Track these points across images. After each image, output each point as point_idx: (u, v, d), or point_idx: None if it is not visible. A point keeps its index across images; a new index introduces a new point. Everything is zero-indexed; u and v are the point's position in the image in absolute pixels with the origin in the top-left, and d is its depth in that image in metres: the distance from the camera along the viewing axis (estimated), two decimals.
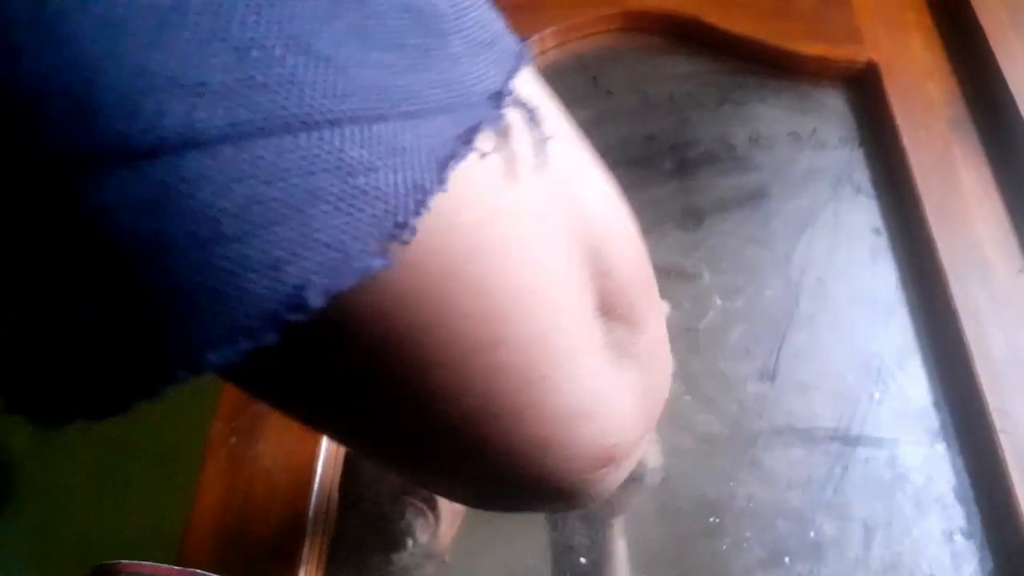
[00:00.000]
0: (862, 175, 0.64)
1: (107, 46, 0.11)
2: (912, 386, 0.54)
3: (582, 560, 0.50)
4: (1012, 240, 0.57)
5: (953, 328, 0.54)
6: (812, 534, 0.49)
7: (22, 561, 1.07)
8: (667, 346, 0.26)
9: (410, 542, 0.44)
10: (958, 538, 0.49)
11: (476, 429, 0.18)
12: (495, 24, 0.17)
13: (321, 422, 0.21)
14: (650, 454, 0.51)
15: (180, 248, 0.12)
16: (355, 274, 0.14)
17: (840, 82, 0.68)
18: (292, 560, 0.45)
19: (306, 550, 0.46)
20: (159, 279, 0.12)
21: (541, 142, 0.18)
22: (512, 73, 0.17)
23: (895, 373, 0.55)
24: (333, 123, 0.13)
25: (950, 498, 0.51)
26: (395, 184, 0.14)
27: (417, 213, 0.14)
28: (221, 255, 0.12)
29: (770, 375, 0.55)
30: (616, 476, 0.22)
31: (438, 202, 0.14)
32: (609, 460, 0.21)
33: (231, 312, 0.13)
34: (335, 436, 0.21)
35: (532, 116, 0.18)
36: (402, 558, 0.44)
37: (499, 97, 0.17)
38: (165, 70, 0.11)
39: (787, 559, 0.49)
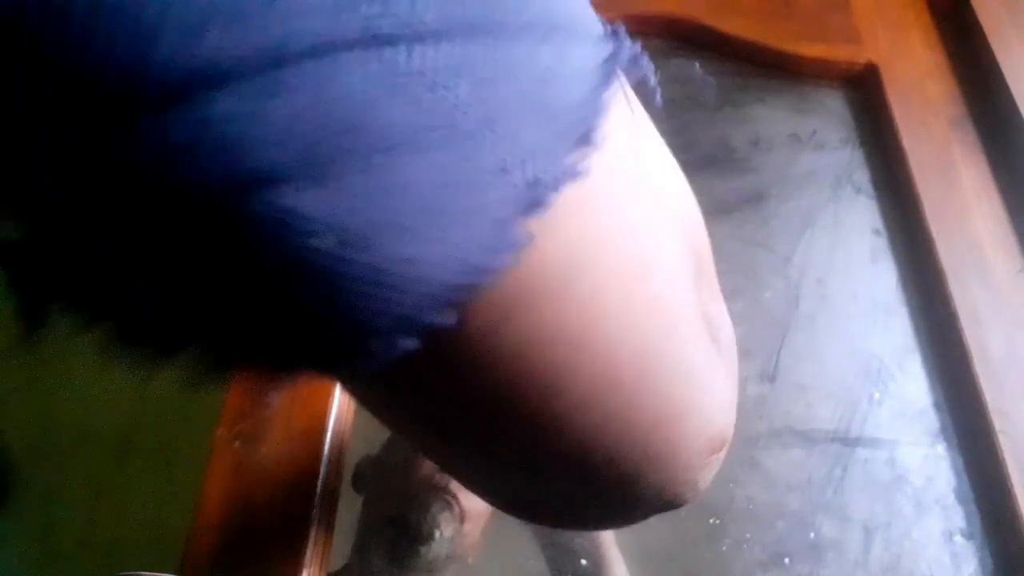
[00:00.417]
0: (862, 175, 0.64)
1: None
2: (912, 386, 0.54)
3: (583, 562, 0.50)
4: (1012, 240, 0.57)
5: (953, 328, 0.54)
6: (812, 535, 0.50)
7: (22, 561, 1.07)
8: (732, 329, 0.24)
9: (436, 536, 0.44)
10: (958, 539, 0.49)
11: (604, 433, 0.16)
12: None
13: (441, 439, 0.18)
14: None
15: (429, 140, 0.11)
16: (569, 176, 0.13)
17: (840, 83, 0.68)
18: (295, 564, 0.45)
19: (309, 554, 0.46)
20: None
21: (650, 87, 0.17)
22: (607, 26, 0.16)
23: (895, 373, 0.55)
24: (532, 32, 0.13)
25: (950, 499, 0.51)
26: (574, 96, 0.13)
27: (600, 119, 0.14)
28: (461, 153, 0.12)
29: (770, 376, 0.55)
30: (717, 467, 0.20)
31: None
32: (721, 444, 0.19)
33: (483, 212, 0.12)
34: (451, 459, 0.19)
35: (637, 61, 0.17)
36: (427, 553, 0.44)
37: (618, 33, 0.16)
38: None
39: (787, 560, 0.49)
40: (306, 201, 0.11)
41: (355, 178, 0.11)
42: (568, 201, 0.13)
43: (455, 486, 0.46)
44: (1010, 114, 0.61)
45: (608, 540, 0.49)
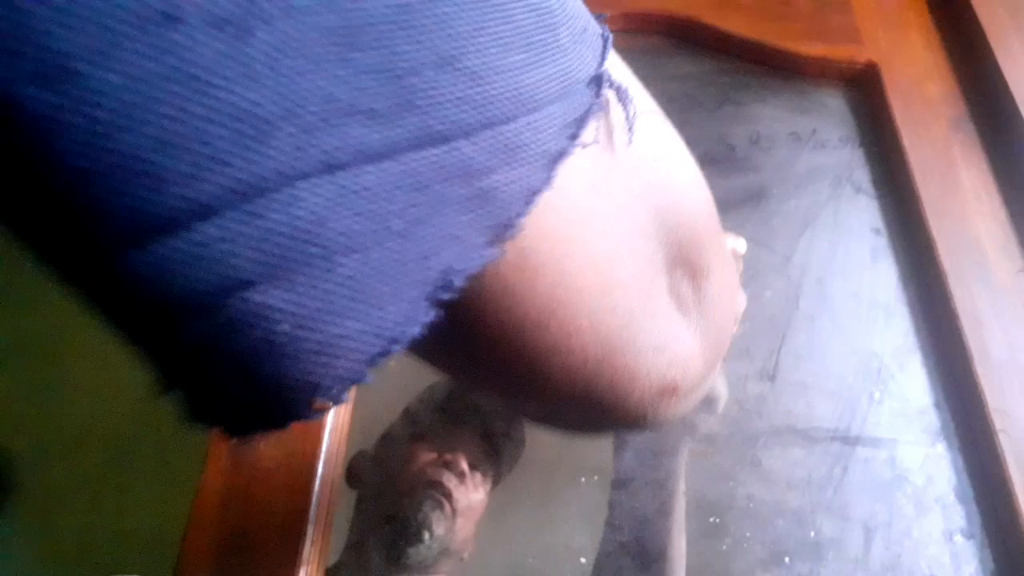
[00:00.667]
0: (862, 175, 0.64)
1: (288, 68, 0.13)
2: (912, 386, 0.54)
3: (582, 560, 0.50)
4: (1012, 240, 0.57)
5: (953, 328, 0.54)
6: (812, 534, 0.50)
7: (22, 561, 1.07)
8: (733, 286, 0.28)
9: (427, 534, 0.44)
10: (958, 538, 0.49)
11: (580, 366, 0.21)
12: (583, 8, 0.19)
13: (460, 369, 0.24)
14: (719, 384, 0.53)
15: (367, 243, 0.14)
16: (480, 261, 0.16)
17: (840, 82, 0.68)
18: (292, 561, 0.45)
19: (306, 551, 0.46)
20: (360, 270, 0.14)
21: (632, 119, 0.20)
22: (604, 55, 0.19)
23: (895, 373, 0.55)
24: (469, 133, 0.15)
25: (950, 498, 0.51)
26: (509, 183, 0.16)
27: (524, 212, 0.16)
28: (392, 249, 0.15)
29: (770, 375, 0.55)
30: (679, 405, 0.25)
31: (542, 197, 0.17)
32: (673, 391, 0.24)
33: (402, 295, 0.15)
34: (472, 381, 0.25)
35: (622, 95, 0.19)
36: (419, 551, 0.44)
37: (599, 81, 0.18)
38: (342, 95, 0.13)
39: (787, 559, 0.49)
40: (272, 298, 0.14)
41: (308, 277, 0.14)
42: (508, 258, 0.17)
43: (448, 481, 0.46)
44: (1010, 114, 0.61)
45: (674, 469, 0.51)
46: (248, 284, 0.13)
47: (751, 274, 0.59)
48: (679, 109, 0.67)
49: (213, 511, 0.47)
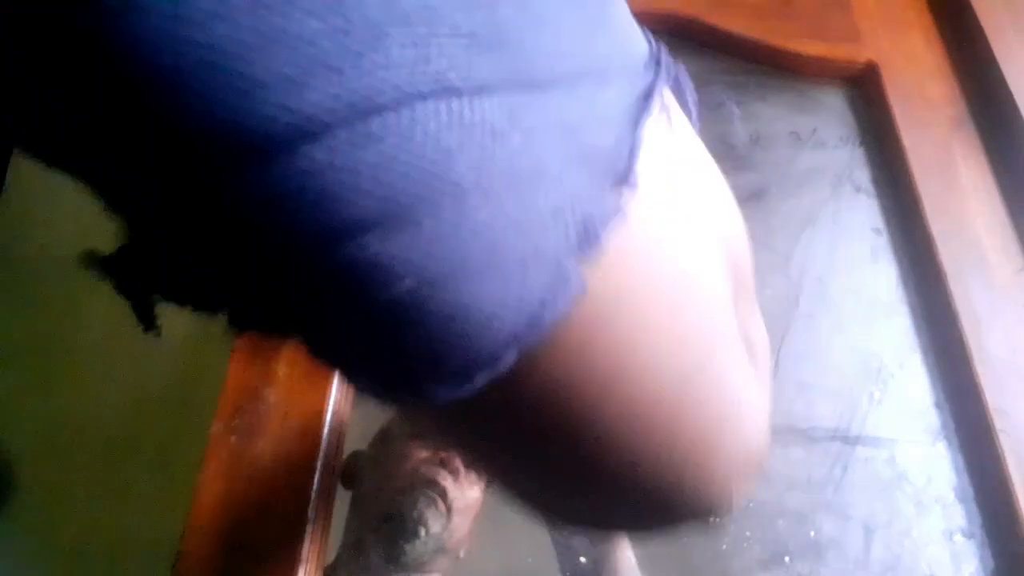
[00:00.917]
0: (862, 174, 0.64)
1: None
2: (912, 386, 0.54)
3: (582, 560, 0.50)
4: (1012, 240, 0.57)
5: (953, 328, 0.54)
6: (812, 534, 0.49)
7: (22, 561, 1.06)
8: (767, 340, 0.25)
9: (423, 531, 0.44)
10: (958, 538, 0.49)
11: (647, 451, 0.16)
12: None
13: (494, 454, 0.19)
14: None
15: (497, 185, 0.12)
16: (612, 214, 0.14)
17: (840, 82, 0.68)
18: (291, 560, 0.45)
19: (305, 550, 0.46)
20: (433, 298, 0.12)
21: (692, 104, 0.18)
22: (654, 43, 0.17)
23: (895, 373, 0.55)
24: (557, 82, 0.13)
25: (950, 498, 0.51)
26: (606, 141, 0.14)
27: (631, 160, 0.14)
28: (525, 196, 0.12)
29: (770, 374, 0.55)
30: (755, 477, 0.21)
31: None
32: (758, 459, 0.20)
33: (544, 254, 0.13)
34: (506, 471, 0.20)
35: (679, 81, 0.17)
36: (415, 548, 0.44)
37: (659, 61, 0.16)
38: (442, 5, 0.11)
39: (787, 559, 0.49)
40: (390, 247, 0.11)
41: (432, 224, 0.12)
42: (612, 239, 0.14)
43: (443, 479, 0.46)
44: (1010, 114, 0.61)
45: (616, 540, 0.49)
46: (365, 227, 0.11)
47: None
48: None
49: (212, 511, 0.47)
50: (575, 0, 0.14)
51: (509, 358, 0.13)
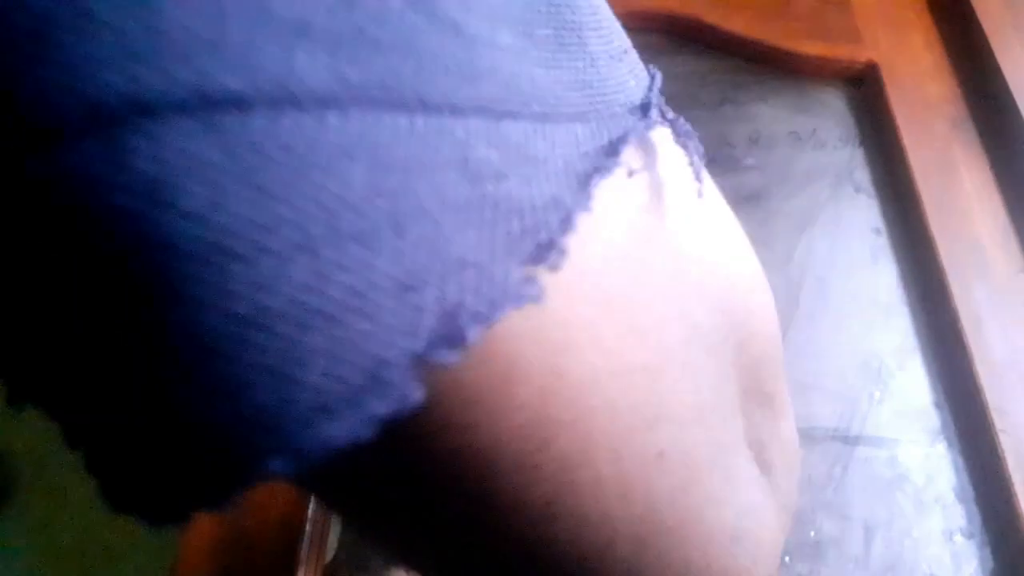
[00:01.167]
0: (862, 175, 0.64)
1: None
2: (912, 386, 0.54)
3: None
4: (1012, 240, 0.57)
5: (953, 328, 0.54)
6: (812, 534, 0.49)
7: (22, 561, 1.06)
8: (797, 445, 0.20)
9: None
10: (958, 538, 0.49)
11: (623, 560, 0.13)
12: (622, 33, 0.14)
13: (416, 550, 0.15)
14: None
15: (275, 251, 0.09)
16: (511, 301, 0.10)
17: (840, 82, 0.68)
18: (291, 561, 0.45)
19: (305, 551, 0.46)
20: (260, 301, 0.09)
21: (698, 164, 0.15)
22: (653, 86, 0.14)
23: (895, 373, 0.55)
24: (456, 111, 0.10)
25: (950, 498, 0.51)
26: (531, 197, 0.11)
27: (563, 231, 0.11)
28: (336, 266, 0.09)
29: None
30: None
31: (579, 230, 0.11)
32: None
33: (353, 350, 0.09)
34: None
35: (684, 135, 0.14)
36: None
37: (647, 109, 0.13)
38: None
39: (787, 559, 0.49)
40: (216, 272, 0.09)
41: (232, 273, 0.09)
42: (536, 321, 0.11)
43: None
44: (1010, 114, 0.61)
45: None
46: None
47: None
48: (679, 108, 0.67)
49: (210, 513, 0.47)
50: (506, 21, 0.11)
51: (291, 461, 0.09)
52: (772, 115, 0.67)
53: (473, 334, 0.10)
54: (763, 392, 0.17)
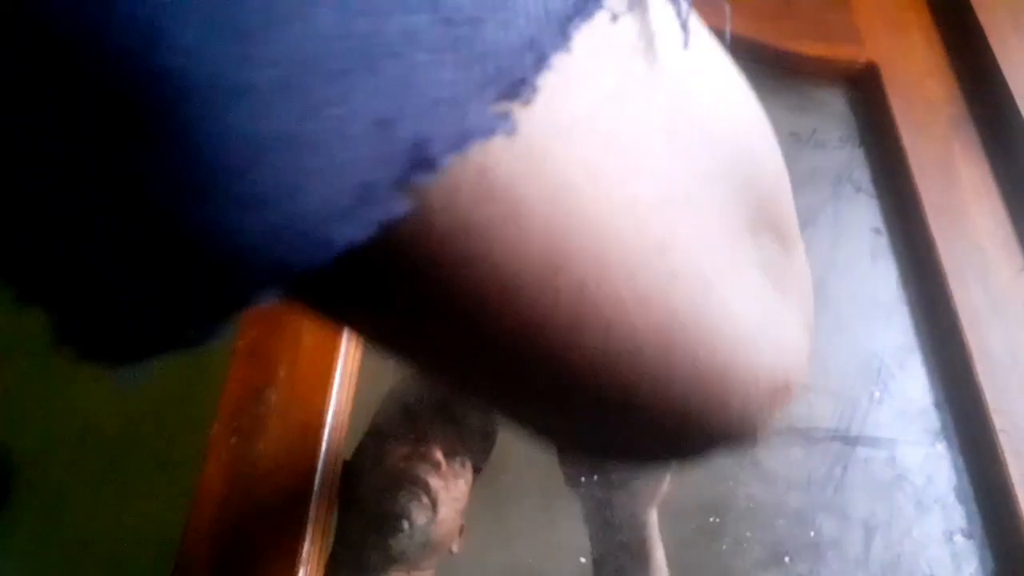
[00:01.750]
0: (862, 175, 0.64)
1: None
2: (912, 386, 0.54)
3: (581, 560, 0.50)
4: (1012, 240, 0.57)
5: (953, 328, 0.54)
6: (812, 534, 0.49)
7: (22, 561, 1.07)
8: (810, 280, 0.22)
9: (406, 524, 0.44)
10: (958, 538, 0.49)
11: (631, 359, 0.14)
12: None
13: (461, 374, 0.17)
14: None
15: (261, 91, 0.10)
16: (478, 134, 0.11)
17: (840, 82, 0.68)
18: (292, 561, 0.45)
19: (306, 551, 0.46)
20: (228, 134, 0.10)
21: (685, 12, 0.15)
22: None
23: (895, 373, 0.55)
24: None
25: (950, 498, 0.51)
26: (508, 40, 0.11)
27: (537, 70, 0.11)
28: (318, 102, 0.10)
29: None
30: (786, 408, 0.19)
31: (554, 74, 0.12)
32: (786, 391, 0.18)
33: (339, 176, 0.10)
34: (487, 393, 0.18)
35: None
36: (399, 542, 0.44)
37: None
38: None
39: (787, 559, 0.49)
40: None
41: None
42: (540, 141, 0.12)
43: (425, 473, 0.46)
44: (1010, 114, 0.61)
45: (652, 522, 0.49)
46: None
47: None
48: None
49: (213, 511, 0.47)
50: None
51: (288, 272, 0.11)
52: (772, 115, 0.67)
53: (444, 162, 0.11)
54: (774, 225, 0.18)
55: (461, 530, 0.49)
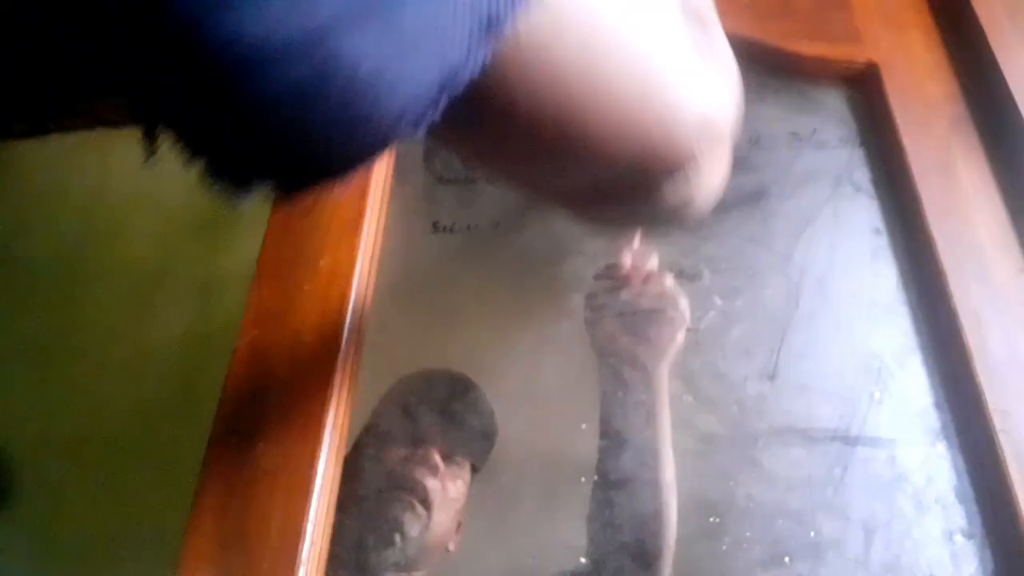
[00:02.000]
0: (862, 175, 0.64)
1: None
2: (912, 386, 0.54)
3: (582, 560, 0.50)
4: (1012, 240, 0.57)
5: (953, 328, 0.54)
6: (812, 534, 0.49)
7: (22, 561, 1.06)
8: (731, 53, 0.29)
9: (398, 538, 0.44)
10: (958, 538, 0.49)
11: (627, 107, 0.21)
12: None
13: (499, 147, 0.24)
14: None
15: None
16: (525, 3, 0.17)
17: (840, 82, 0.68)
18: (292, 561, 0.45)
19: (306, 551, 0.46)
20: None
21: None
22: None
23: (895, 373, 0.55)
24: None
25: (950, 498, 0.51)
26: None
27: None
28: None
29: (770, 375, 0.55)
30: (720, 149, 0.26)
31: None
32: (714, 126, 0.25)
33: (459, 32, 0.17)
34: (510, 159, 0.25)
35: None
36: (393, 554, 0.45)
37: None
38: None
39: (787, 559, 0.49)
40: (355, 42, 0.15)
41: (381, 23, 0.16)
42: None
43: (423, 476, 0.46)
44: (1010, 114, 0.61)
45: (659, 378, 0.52)
46: (333, 31, 0.15)
47: (751, 274, 0.59)
48: None
49: (213, 511, 0.47)
50: None
51: (436, 105, 0.17)
52: (772, 115, 0.67)
53: (507, 16, 0.17)
54: (695, 11, 0.25)
55: (458, 528, 0.49)
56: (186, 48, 0.14)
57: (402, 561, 0.45)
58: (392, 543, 0.44)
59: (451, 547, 0.48)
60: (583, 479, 0.52)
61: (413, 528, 0.45)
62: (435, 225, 0.63)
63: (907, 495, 0.51)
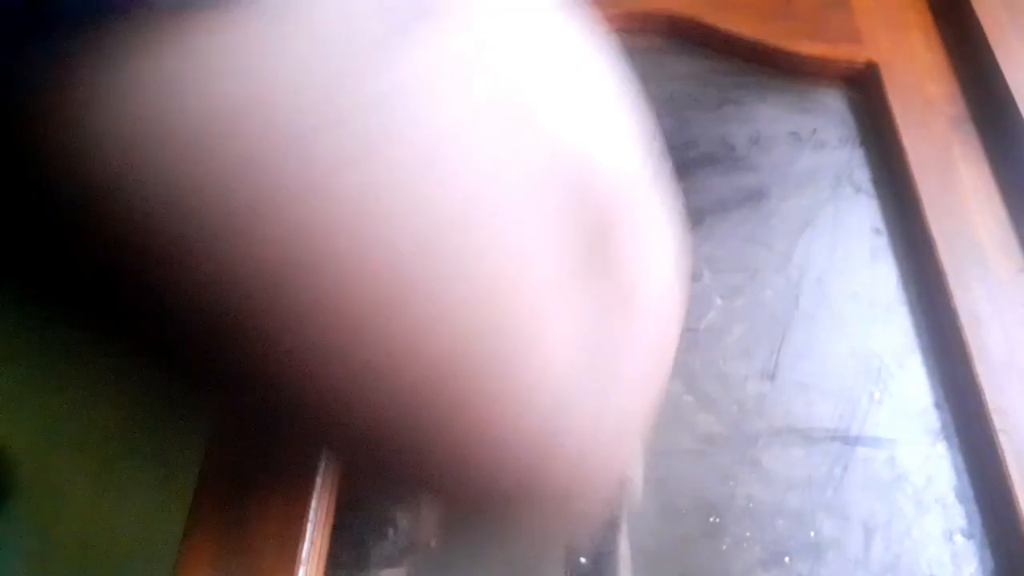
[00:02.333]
0: (862, 175, 0.64)
1: None
2: (912, 386, 0.54)
3: (582, 560, 0.50)
4: (1012, 240, 0.57)
5: (953, 328, 0.54)
6: (812, 534, 0.49)
7: (22, 561, 1.06)
8: (669, 293, 0.17)
9: (391, 531, 0.45)
10: (958, 538, 0.49)
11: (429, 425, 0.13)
12: None
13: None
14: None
15: None
16: None
17: (840, 82, 0.68)
18: (292, 561, 0.45)
19: (306, 551, 0.46)
20: None
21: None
22: None
23: (895, 373, 0.55)
24: None
25: (950, 498, 0.51)
26: None
27: None
28: None
29: (770, 375, 0.55)
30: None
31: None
32: (590, 471, 0.15)
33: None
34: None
35: None
36: (384, 548, 0.45)
37: None
38: None
39: (787, 559, 0.49)
40: None
41: None
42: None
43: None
44: (1010, 114, 0.61)
45: (612, 538, 0.49)
46: None
47: (751, 274, 0.59)
48: (679, 108, 0.67)
49: (213, 511, 0.47)
50: None
51: None
52: (772, 115, 0.67)
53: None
54: (613, 240, 0.15)
55: (441, 522, 0.49)
56: None
57: (394, 556, 0.45)
58: (385, 536, 0.45)
59: (432, 543, 0.48)
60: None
61: (403, 520, 0.45)
62: None
63: (907, 495, 0.51)
